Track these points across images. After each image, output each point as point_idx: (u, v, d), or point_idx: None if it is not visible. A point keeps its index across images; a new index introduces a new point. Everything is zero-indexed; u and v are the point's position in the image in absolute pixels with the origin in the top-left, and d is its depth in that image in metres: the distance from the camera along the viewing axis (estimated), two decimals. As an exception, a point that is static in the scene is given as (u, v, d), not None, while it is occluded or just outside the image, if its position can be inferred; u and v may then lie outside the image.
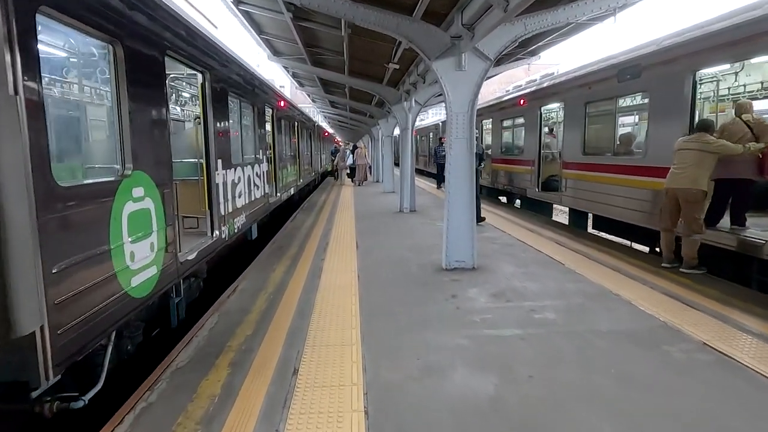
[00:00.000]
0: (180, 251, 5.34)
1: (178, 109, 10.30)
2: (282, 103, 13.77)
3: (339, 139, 56.59)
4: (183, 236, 5.83)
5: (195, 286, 6.64)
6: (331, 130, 52.26)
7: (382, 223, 11.54)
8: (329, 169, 32.34)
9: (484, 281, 6.39)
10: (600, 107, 10.35)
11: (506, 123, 15.89)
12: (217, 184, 6.99)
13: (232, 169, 8.04)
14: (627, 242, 10.12)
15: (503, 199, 17.26)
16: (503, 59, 11.83)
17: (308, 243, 9.50)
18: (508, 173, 15.29)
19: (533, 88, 13.63)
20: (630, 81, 8.81)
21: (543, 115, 13.19)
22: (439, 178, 19.35)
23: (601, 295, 5.73)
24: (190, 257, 5.66)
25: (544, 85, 12.99)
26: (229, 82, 7.78)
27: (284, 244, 9.63)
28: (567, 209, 12.48)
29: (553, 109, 13.10)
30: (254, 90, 9.97)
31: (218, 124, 7.06)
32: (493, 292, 5.92)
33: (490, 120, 17.15)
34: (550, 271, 6.91)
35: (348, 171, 26.71)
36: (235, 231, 8.03)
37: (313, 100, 23.45)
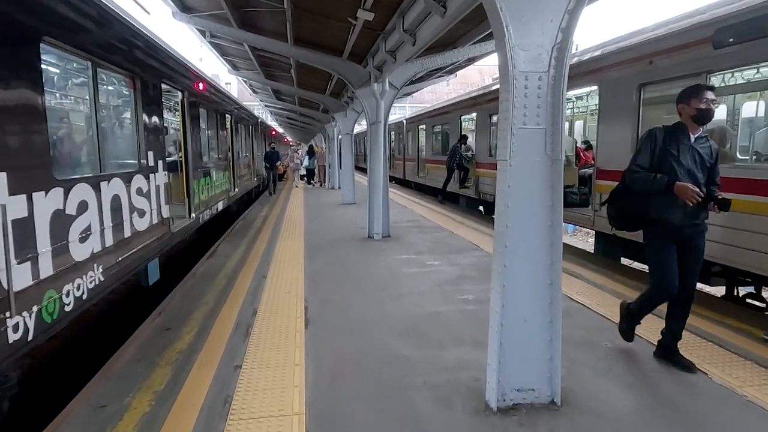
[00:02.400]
0: None
1: None
2: (200, 86, 9.66)
3: (290, 140, 52.03)
4: None
5: None
6: (280, 129, 47.77)
7: (345, 264, 7.67)
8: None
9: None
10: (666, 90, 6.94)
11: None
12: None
13: (56, 193, 4.01)
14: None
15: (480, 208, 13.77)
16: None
17: (214, 328, 5.48)
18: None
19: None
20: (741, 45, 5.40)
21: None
22: (446, 187, 15.00)
23: None
24: None
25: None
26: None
27: (171, 332, 5.55)
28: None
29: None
30: (129, 48, 5.87)
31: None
32: None
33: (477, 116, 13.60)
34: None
35: (303, 173, 24.78)
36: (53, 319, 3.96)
37: (253, 90, 19.26)
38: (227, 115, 13.66)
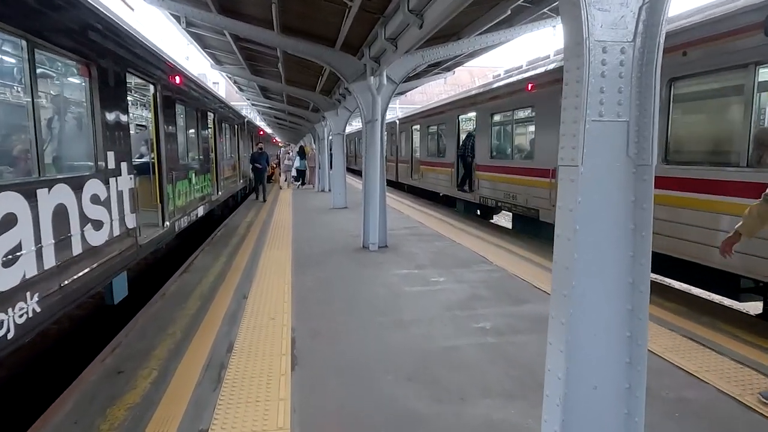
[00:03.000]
0: None
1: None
2: (177, 79, 8.68)
3: (279, 140, 50.91)
4: None
5: None
6: (269, 130, 46.65)
7: (338, 281, 6.74)
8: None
9: None
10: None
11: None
12: None
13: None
14: None
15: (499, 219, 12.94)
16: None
17: (178, 372, 4.53)
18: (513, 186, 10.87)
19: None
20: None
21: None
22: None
23: None
24: None
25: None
26: None
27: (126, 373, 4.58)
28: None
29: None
30: (81, 28, 4.90)
31: None
32: None
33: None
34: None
35: (294, 174, 23.69)
36: None
37: (239, 88, 18.21)
38: (210, 113, 12.64)
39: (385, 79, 7.67)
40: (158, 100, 7.68)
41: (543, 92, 9.31)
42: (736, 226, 3.41)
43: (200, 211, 10.59)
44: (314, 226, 11.07)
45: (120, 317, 6.04)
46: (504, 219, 18.47)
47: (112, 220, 5.47)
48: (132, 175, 6.15)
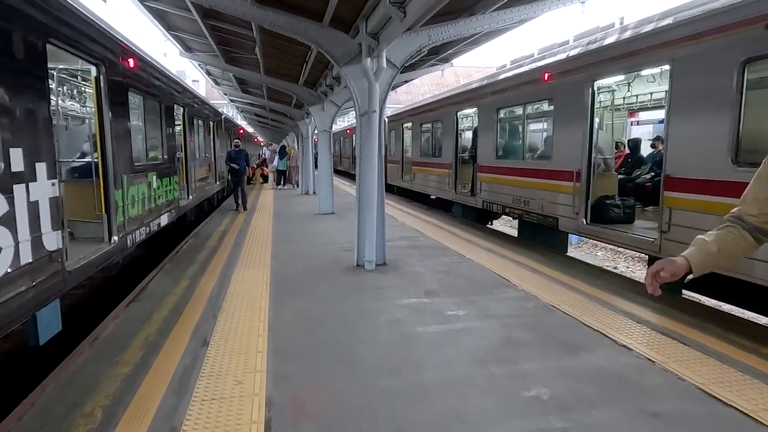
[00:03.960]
0: None
1: None
2: (131, 62, 7.14)
3: (261, 139, 49.09)
4: None
5: None
6: (251, 129, 44.84)
7: (328, 317, 5.26)
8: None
9: None
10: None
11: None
12: None
13: None
14: None
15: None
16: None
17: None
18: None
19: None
20: None
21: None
22: None
23: None
24: None
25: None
26: None
27: None
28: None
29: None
30: None
31: None
32: None
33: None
34: None
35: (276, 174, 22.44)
36: None
37: (215, 82, 16.54)
38: (178, 108, 11.04)
39: (385, 61, 6.22)
40: (103, 85, 6.11)
41: (565, 82, 7.96)
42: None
43: (164, 220, 9.00)
44: (298, 236, 9.55)
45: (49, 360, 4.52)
46: (505, 225, 17.19)
47: (18, 243, 3.92)
48: (55, 181, 4.59)
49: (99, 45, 6.05)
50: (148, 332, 4.60)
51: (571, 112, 7.83)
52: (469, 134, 12.89)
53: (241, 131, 28.72)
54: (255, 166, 26.58)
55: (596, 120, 7.54)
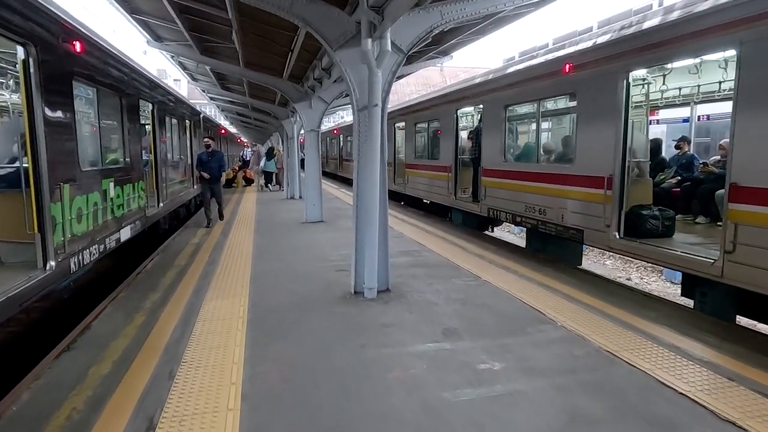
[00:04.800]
0: None
1: None
2: (77, 45, 5.82)
3: (246, 141, 47.45)
4: None
5: None
6: (234, 130, 43.25)
7: (323, 373, 4.01)
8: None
9: None
10: None
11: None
12: None
13: None
14: None
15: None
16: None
17: None
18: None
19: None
20: None
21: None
22: None
23: None
24: None
25: None
26: None
27: None
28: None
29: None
30: None
31: None
32: None
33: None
34: None
35: (263, 176, 21.42)
36: None
37: (192, 77, 15.11)
38: (147, 104, 9.68)
39: (389, 43, 4.99)
40: (33, 71, 4.79)
41: (592, 74, 6.83)
42: None
43: (126, 233, 7.66)
44: (283, 250, 8.26)
45: None
46: (502, 230, 16.11)
47: None
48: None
49: (27, 20, 4.73)
50: (74, 406, 3.30)
51: (600, 109, 6.71)
52: (468, 134, 11.70)
53: (223, 131, 27.22)
54: (236, 169, 25.14)
55: (630, 118, 6.42)
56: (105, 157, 6.94)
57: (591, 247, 13.13)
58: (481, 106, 10.26)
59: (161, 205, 10.39)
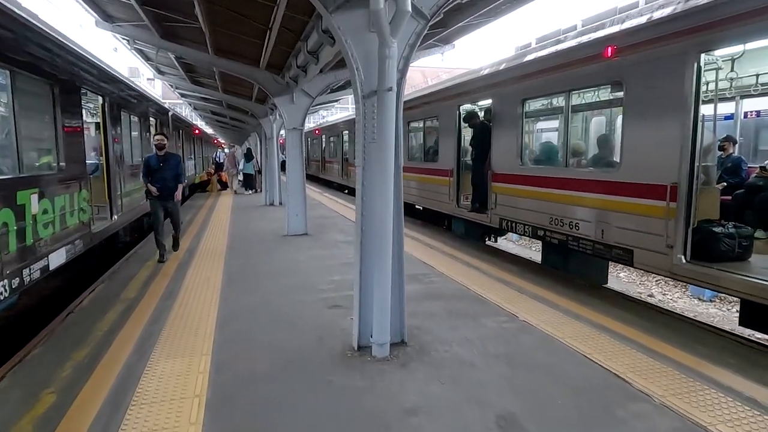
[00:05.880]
0: None
1: None
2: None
3: (222, 141, 45.26)
4: None
5: None
6: (210, 131, 41.15)
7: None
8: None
9: None
10: None
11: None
12: None
13: None
14: None
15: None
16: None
17: None
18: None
19: None
20: None
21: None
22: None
23: None
24: None
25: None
26: None
27: None
28: None
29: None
30: None
31: None
32: None
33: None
34: None
35: (240, 179, 20.54)
36: None
37: (158, 71, 13.28)
38: (95, 96, 7.97)
39: (409, 4, 3.46)
40: None
41: (645, 57, 5.42)
42: None
43: (58, 258, 5.94)
44: (261, 276, 6.63)
45: None
46: (504, 239, 14.72)
47: None
48: None
49: None
50: None
51: (659, 101, 5.31)
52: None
53: (197, 132, 25.28)
54: (212, 172, 23.30)
55: (701, 111, 5.03)
56: (22, 162, 5.22)
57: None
58: (490, 100, 8.81)
59: (115, 217, 8.65)
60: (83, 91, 7.29)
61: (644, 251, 5.58)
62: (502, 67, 8.41)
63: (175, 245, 8.37)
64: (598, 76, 6.22)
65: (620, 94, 5.95)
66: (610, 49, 5.96)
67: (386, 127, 3.68)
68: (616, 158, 6.03)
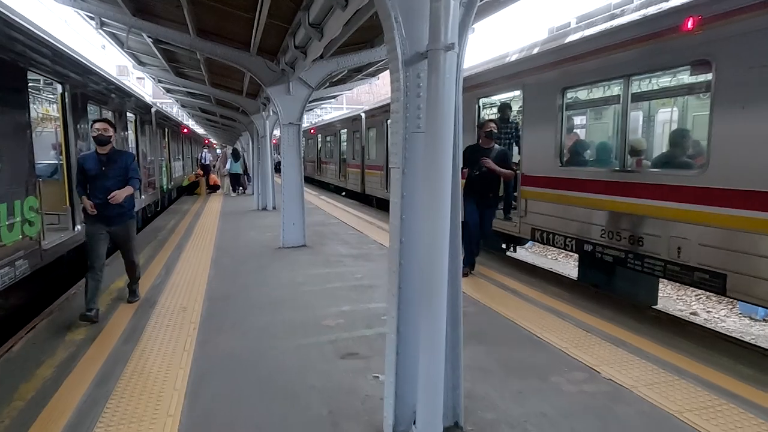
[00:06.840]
0: None
1: None
2: None
3: (214, 142, 43.66)
4: None
5: None
6: (201, 131, 39.58)
7: None
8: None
9: None
10: None
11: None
12: None
13: None
14: None
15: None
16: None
17: None
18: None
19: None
20: None
21: None
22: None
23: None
24: None
25: None
26: None
27: None
28: None
29: None
30: None
31: None
32: None
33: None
34: None
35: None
36: None
37: (138, 61, 11.81)
38: (53, 84, 6.57)
39: None
40: None
41: (749, 27, 4.15)
42: None
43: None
44: (249, 310, 5.24)
45: None
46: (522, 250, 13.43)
47: None
48: None
49: None
50: None
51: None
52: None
53: (185, 130, 23.77)
54: (201, 173, 21.86)
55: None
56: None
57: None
58: (519, 92, 7.53)
59: (78, 227, 7.24)
60: (32, 75, 5.89)
61: (745, 277, 4.30)
62: (535, 52, 7.10)
63: (132, 294, 5.42)
64: (673, 56, 4.93)
65: (706, 77, 4.68)
66: (691, 20, 4.68)
67: (442, 109, 2.35)
68: (702, 158, 4.76)
